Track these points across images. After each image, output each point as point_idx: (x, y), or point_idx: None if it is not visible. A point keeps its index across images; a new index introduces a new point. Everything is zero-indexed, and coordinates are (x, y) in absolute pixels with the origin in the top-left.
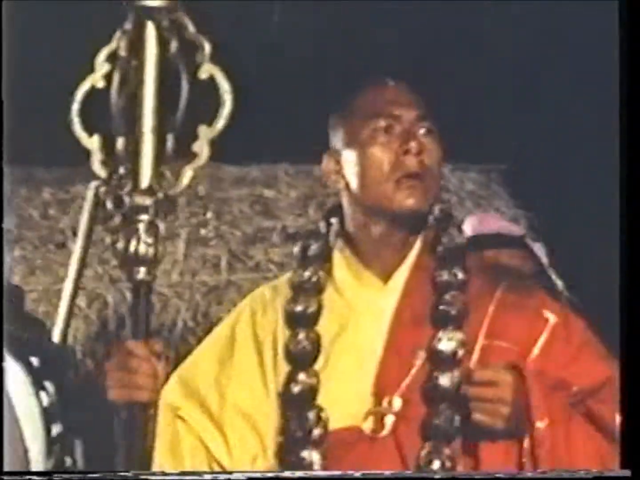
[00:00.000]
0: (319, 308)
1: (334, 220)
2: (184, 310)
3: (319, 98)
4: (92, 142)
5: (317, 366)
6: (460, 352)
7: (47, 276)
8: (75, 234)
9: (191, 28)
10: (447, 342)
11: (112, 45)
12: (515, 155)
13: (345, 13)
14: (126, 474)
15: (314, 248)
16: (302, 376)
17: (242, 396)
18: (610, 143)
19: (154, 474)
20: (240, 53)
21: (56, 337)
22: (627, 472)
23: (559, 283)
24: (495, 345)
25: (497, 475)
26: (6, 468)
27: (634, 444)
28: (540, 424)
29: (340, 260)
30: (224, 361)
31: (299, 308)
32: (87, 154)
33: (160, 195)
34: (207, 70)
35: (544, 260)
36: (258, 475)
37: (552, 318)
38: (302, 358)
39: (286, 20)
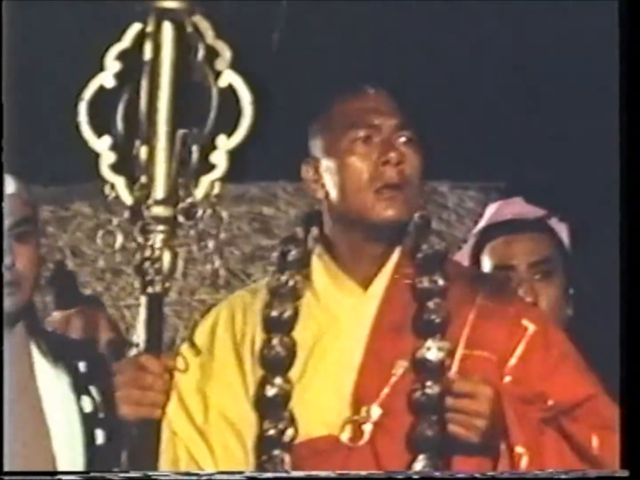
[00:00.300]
0: (295, 313)
1: (313, 226)
2: (182, 329)
3: (309, 109)
4: (101, 144)
5: (293, 372)
6: (448, 362)
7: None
8: (74, 252)
9: (211, 33)
10: (436, 352)
11: (124, 44)
12: (514, 173)
13: (336, 17)
14: (127, 474)
15: (292, 253)
16: (275, 381)
17: (225, 403)
18: (611, 159)
19: (155, 474)
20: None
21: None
22: (626, 472)
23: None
24: (476, 355)
25: (497, 475)
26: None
27: (634, 444)
28: (519, 449)
29: (319, 266)
30: (204, 366)
31: (274, 313)
32: (87, 167)
33: (179, 206)
34: (227, 78)
35: (566, 240)
36: (257, 475)
37: (531, 327)
38: (276, 363)
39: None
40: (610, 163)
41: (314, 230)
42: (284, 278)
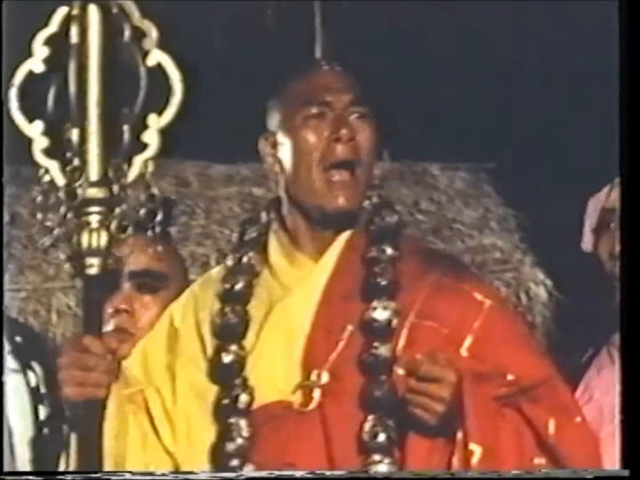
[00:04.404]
0: (249, 286)
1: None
2: None
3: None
4: (33, 129)
5: (246, 341)
6: (395, 322)
7: (36, 275)
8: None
9: (137, 13)
10: (381, 311)
11: (51, 29)
12: (504, 154)
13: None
14: (127, 474)
15: (250, 233)
16: (230, 348)
17: (193, 380)
18: (602, 140)
19: (153, 474)
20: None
21: None
22: (626, 472)
23: None
24: (425, 325)
25: (498, 475)
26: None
27: (634, 444)
28: (473, 446)
29: (275, 242)
30: (171, 345)
31: (227, 285)
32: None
33: (112, 187)
34: (155, 57)
35: None
36: (257, 475)
37: (487, 302)
38: (228, 331)
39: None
40: (602, 154)
41: (272, 208)
42: (237, 255)
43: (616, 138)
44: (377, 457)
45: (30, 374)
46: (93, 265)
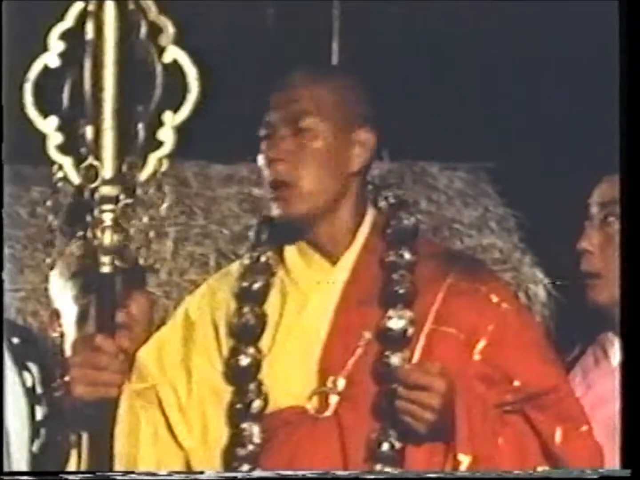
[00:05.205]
0: (267, 286)
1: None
2: (172, 310)
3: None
4: (48, 124)
5: (263, 343)
6: (410, 331)
7: (35, 275)
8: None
9: (154, 9)
10: (397, 320)
11: (67, 23)
12: (503, 154)
13: None
14: (128, 474)
15: (267, 232)
16: (245, 350)
17: (207, 374)
18: (602, 140)
19: (155, 474)
20: (209, 36)
21: None
22: (627, 472)
23: None
24: (442, 330)
25: (498, 475)
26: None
27: (634, 444)
28: (462, 457)
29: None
30: (187, 341)
31: (244, 284)
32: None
33: (127, 185)
34: (171, 54)
35: None
36: (258, 475)
37: (503, 305)
38: (246, 332)
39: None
40: (600, 154)
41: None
42: (255, 254)
43: (616, 137)
44: (379, 466)
45: (26, 375)
46: (106, 264)
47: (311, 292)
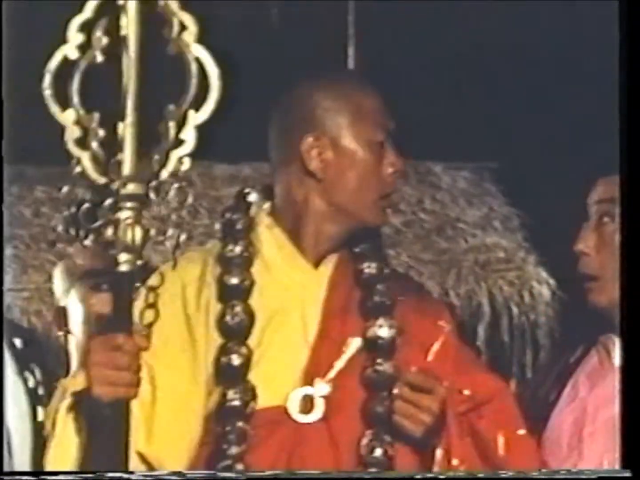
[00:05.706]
0: (252, 283)
1: (264, 199)
2: None
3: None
4: (66, 117)
5: (251, 341)
6: (398, 340)
7: (39, 275)
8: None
9: (175, 6)
10: (388, 330)
11: (86, 15)
12: (507, 154)
13: None
14: (126, 475)
15: (240, 222)
16: (237, 349)
17: (172, 378)
18: (604, 140)
19: (155, 474)
20: (230, 36)
21: None
22: (627, 473)
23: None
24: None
25: (500, 475)
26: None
27: (634, 444)
28: (455, 462)
29: (269, 237)
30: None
31: (234, 281)
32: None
33: (148, 183)
34: (194, 52)
35: None
36: (259, 475)
37: (446, 326)
38: (239, 330)
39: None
40: (604, 154)
41: (266, 203)
42: (238, 249)
43: (618, 137)
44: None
45: (28, 375)
46: (125, 262)
47: (297, 294)
